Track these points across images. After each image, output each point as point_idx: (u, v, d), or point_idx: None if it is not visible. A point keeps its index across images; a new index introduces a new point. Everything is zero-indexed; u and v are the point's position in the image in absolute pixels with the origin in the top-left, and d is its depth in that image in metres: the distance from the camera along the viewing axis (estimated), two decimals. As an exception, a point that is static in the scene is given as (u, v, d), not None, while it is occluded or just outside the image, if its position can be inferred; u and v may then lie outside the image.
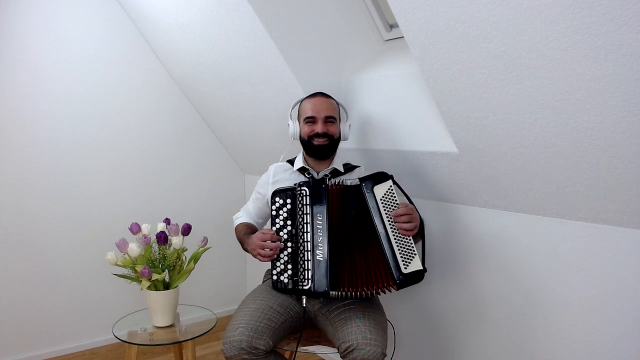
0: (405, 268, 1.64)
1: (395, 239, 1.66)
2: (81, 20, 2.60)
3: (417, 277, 1.65)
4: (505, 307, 1.80)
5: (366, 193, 1.69)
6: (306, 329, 1.80)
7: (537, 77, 1.31)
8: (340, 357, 1.60)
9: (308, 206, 1.71)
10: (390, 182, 1.70)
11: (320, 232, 1.69)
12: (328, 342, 1.75)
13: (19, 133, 2.49)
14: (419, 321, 2.13)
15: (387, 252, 1.65)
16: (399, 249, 1.65)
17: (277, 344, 1.69)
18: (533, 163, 1.53)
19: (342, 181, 1.73)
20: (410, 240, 1.66)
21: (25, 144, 2.51)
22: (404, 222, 1.64)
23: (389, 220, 1.66)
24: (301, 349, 1.76)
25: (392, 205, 1.68)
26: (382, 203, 1.68)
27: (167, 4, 2.32)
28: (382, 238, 1.66)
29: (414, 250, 1.66)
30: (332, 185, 1.72)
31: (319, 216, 1.70)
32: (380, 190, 1.69)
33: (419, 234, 1.72)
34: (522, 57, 1.30)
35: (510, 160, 1.58)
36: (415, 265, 1.65)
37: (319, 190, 1.72)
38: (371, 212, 1.68)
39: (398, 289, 1.65)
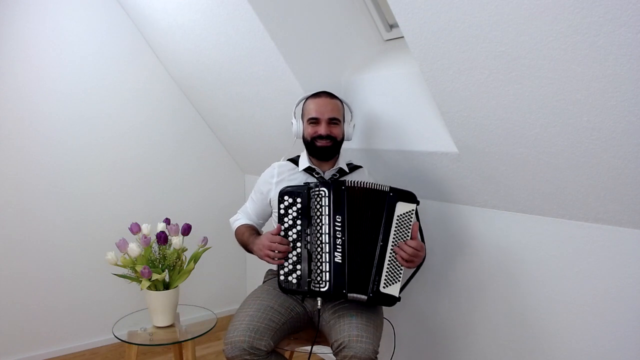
0: (384, 288, 1.64)
1: (389, 257, 1.65)
2: (81, 20, 2.60)
3: (389, 300, 1.65)
4: (505, 306, 1.80)
5: (388, 203, 1.67)
6: (306, 329, 1.81)
7: (537, 77, 1.31)
8: (333, 354, 1.60)
9: (327, 207, 1.67)
10: (414, 206, 1.68)
11: (339, 234, 1.66)
12: (327, 342, 1.75)
13: (19, 133, 2.49)
14: (419, 321, 2.13)
15: (375, 265, 1.65)
16: (387, 268, 1.65)
17: (278, 344, 1.69)
18: (533, 163, 1.53)
19: (367, 183, 1.70)
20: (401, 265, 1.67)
21: (25, 144, 2.51)
22: (407, 255, 1.63)
23: (393, 239, 1.66)
24: (301, 349, 1.75)
25: (404, 228, 1.67)
26: (397, 220, 1.66)
27: (167, 4, 2.32)
28: (377, 250, 1.65)
29: (400, 276, 1.66)
30: (352, 186, 1.69)
31: (338, 218, 1.67)
32: (401, 208, 1.67)
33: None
34: (522, 57, 1.30)
35: (510, 160, 1.58)
36: (393, 289, 1.65)
37: (339, 191, 1.68)
38: (382, 222, 1.66)
39: (367, 302, 1.65)
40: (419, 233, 1.72)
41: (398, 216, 1.67)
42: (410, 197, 1.69)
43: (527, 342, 1.74)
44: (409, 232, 1.68)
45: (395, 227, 1.67)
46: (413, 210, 1.68)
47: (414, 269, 1.74)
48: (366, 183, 1.70)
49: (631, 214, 1.40)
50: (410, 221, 1.68)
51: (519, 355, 1.77)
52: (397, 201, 1.67)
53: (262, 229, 2.01)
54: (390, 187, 1.69)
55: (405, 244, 1.65)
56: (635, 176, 1.32)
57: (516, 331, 1.77)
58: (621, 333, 1.48)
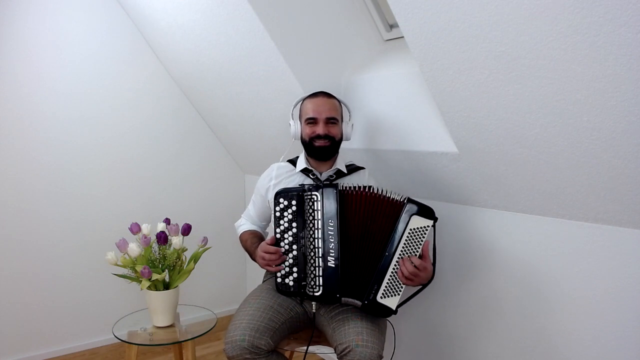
0: (382, 298, 1.62)
1: (393, 269, 1.62)
2: (81, 20, 2.60)
3: (384, 311, 1.63)
4: (504, 307, 1.80)
5: (403, 213, 1.61)
6: (306, 329, 1.81)
7: (537, 77, 1.31)
8: (337, 358, 1.59)
9: (319, 212, 1.66)
10: (431, 222, 1.62)
11: (332, 239, 1.64)
12: (328, 342, 1.75)
13: (19, 133, 2.49)
14: (419, 321, 2.13)
15: (375, 273, 1.62)
16: (389, 279, 1.62)
17: (278, 343, 1.69)
18: (533, 163, 1.53)
19: (368, 188, 1.66)
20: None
21: (25, 144, 2.51)
22: (406, 272, 1.58)
23: (401, 251, 1.61)
24: (301, 348, 1.75)
25: (415, 242, 1.62)
26: (409, 233, 1.61)
27: (167, 4, 2.32)
28: (381, 259, 1.62)
29: (400, 290, 1.63)
30: (346, 190, 1.67)
31: (331, 222, 1.65)
32: (416, 222, 1.61)
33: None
34: (522, 57, 1.30)
35: (510, 160, 1.58)
36: (391, 302, 1.62)
37: (330, 195, 1.66)
38: (395, 232, 1.61)
39: (361, 308, 1.64)
40: (430, 254, 1.66)
41: (411, 229, 1.61)
42: (428, 213, 1.62)
43: (526, 340, 1.74)
44: (420, 247, 1.62)
45: (406, 240, 1.61)
46: (428, 226, 1.62)
47: (419, 287, 1.69)
48: (367, 189, 1.66)
49: (631, 214, 1.40)
50: (423, 237, 1.62)
51: (517, 354, 1.77)
52: (414, 214, 1.61)
53: (267, 230, 2.02)
54: (408, 198, 1.63)
55: (410, 260, 1.59)
56: (635, 176, 1.32)
57: (515, 331, 1.77)
58: (621, 333, 1.48)
